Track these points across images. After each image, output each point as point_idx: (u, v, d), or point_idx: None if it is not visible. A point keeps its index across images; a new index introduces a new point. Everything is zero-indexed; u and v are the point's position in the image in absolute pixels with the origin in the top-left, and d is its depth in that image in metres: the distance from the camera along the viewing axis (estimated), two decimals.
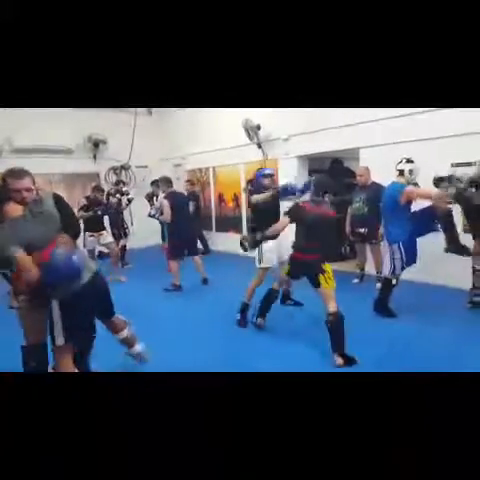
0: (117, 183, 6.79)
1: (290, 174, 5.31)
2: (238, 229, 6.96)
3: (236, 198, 6.98)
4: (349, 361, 2.56)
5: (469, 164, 3.88)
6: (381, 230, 4.18)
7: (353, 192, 4.56)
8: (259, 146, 6.01)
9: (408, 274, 3.69)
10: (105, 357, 2.28)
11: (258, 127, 5.81)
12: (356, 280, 4.62)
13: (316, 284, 2.78)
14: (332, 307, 2.68)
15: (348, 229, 4.46)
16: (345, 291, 4.33)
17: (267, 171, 3.76)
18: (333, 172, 6.10)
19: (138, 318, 2.65)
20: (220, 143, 6.79)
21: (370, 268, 4.62)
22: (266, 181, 3.64)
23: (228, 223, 7.23)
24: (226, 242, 7.19)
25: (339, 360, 2.55)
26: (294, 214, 2.89)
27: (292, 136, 5.64)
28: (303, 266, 2.86)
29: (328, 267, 2.82)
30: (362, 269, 4.62)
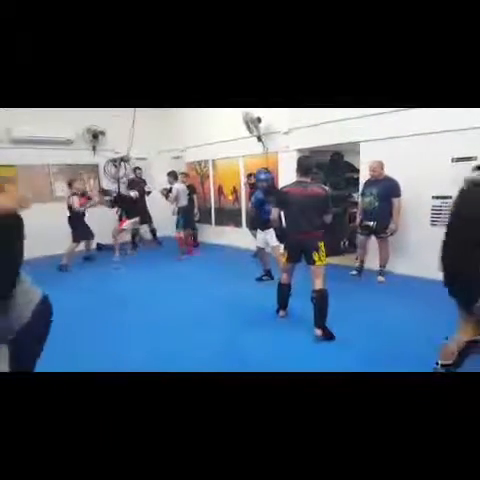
0: (134, 170, 7.05)
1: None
2: (238, 223, 6.95)
3: (235, 191, 6.96)
4: (328, 335, 2.86)
5: (469, 158, 3.88)
6: (392, 225, 4.18)
7: (364, 186, 4.50)
8: (259, 139, 5.98)
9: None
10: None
11: (258, 120, 5.77)
12: (354, 272, 4.65)
13: (311, 261, 2.97)
14: (319, 284, 2.94)
15: (359, 218, 4.49)
16: (343, 283, 4.37)
17: (262, 176, 4.17)
18: (333, 166, 6.09)
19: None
20: (220, 135, 6.75)
21: (369, 263, 4.64)
22: (260, 184, 4.15)
23: (227, 216, 7.22)
24: (225, 236, 7.19)
25: (318, 332, 2.87)
26: (278, 201, 3.15)
27: (293, 129, 5.61)
28: (299, 245, 3.03)
29: (321, 245, 2.98)
30: (362, 261, 4.64)
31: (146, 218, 6.83)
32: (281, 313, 3.40)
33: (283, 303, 3.37)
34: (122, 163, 7.53)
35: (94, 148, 7.23)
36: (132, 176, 7.15)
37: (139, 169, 7.12)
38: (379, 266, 4.43)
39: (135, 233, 6.82)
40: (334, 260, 5.51)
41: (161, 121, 7.83)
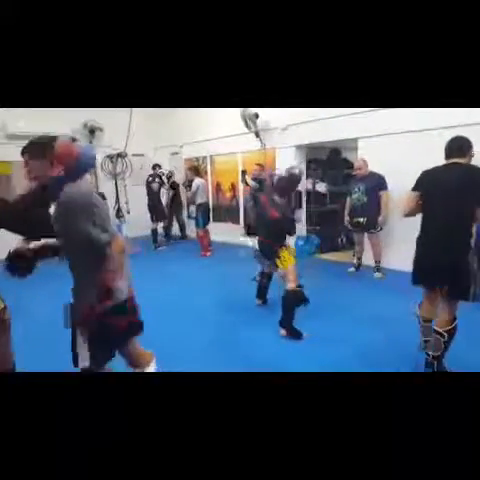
0: (154, 167, 6.93)
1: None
2: (235, 220, 6.94)
3: (233, 188, 6.94)
4: (293, 335, 2.87)
5: None
6: (380, 218, 4.22)
7: (351, 183, 4.58)
8: (257, 135, 5.96)
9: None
10: None
11: (256, 115, 5.75)
12: (352, 269, 4.66)
13: (275, 266, 3.09)
14: (288, 285, 2.94)
15: (346, 219, 4.50)
16: (341, 279, 4.38)
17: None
18: (331, 162, 6.09)
19: None
20: (217, 132, 6.72)
21: (366, 259, 4.64)
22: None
23: (225, 213, 7.20)
24: (223, 233, 7.18)
25: (282, 331, 2.92)
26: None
27: (290, 125, 5.59)
28: (264, 247, 3.17)
29: (284, 252, 3.03)
30: (359, 258, 4.65)
31: (158, 215, 6.79)
32: (257, 301, 3.61)
33: (259, 292, 3.58)
34: (119, 159, 7.50)
35: (91, 144, 7.18)
36: (152, 172, 7.04)
37: (158, 166, 7.03)
38: (374, 262, 4.44)
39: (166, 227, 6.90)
40: (332, 256, 5.52)
41: (159, 117, 7.78)
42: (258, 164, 5.88)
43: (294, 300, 2.88)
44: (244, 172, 5.98)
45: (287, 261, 3.03)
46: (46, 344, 2.58)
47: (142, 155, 7.81)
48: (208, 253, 6.03)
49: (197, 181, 5.98)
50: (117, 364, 2.36)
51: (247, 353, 2.71)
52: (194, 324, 3.28)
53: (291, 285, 2.93)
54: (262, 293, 3.59)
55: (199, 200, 5.96)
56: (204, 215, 6.03)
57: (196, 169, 6.30)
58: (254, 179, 5.65)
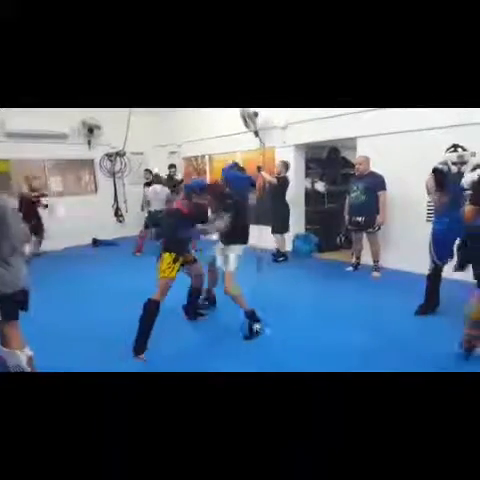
0: (170, 167, 6.79)
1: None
2: None
3: None
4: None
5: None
6: (378, 218, 4.22)
7: (350, 181, 4.56)
8: (256, 134, 5.96)
9: None
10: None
11: (255, 114, 5.75)
12: (350, 268, 4.66)
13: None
14: (154, 294, 2.61)
15: (347, 218, 4.49)
16: (339, 279, 4.38)
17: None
18: (330, 161, 6.09)
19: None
20: (217, 130, 6.72)
21: (365, 258, 4.65)
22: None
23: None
24: None
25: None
26: None
27: (290, 124, 5.59)
28: None
29: (164, 255, 2.70)
30: (358, 258, 4.65)
31: None
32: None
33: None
34: (118, 157, 7.48)
35: (89, 143, 7.16)
36: (167, 173, 6.86)
37: (173, 167, 6.88)
38: (373, 262, 4.44)
39: None
40: (330, 256, 5.53)
41: (158, 115, 7.77)
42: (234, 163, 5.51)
43: (148, 312, 2.53)
44: (260, 168, 5.73)
45: (164, 267, 2.65)
46: (44, 345, 2.57)
47: (141, 154, 7.80)
48: (138, 253, 5.89)
49: (153, 187, 5.84)
50: (117, 364, 2.37)
51: (244, 354, 2.71)
52: (190, 322, 3.28)
53: (156, 296, 2.58)
54: (190, 307, 3.20)
55: (155, 207, 5.73)
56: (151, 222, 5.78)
57: (157, 176, 6.15)
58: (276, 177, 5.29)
